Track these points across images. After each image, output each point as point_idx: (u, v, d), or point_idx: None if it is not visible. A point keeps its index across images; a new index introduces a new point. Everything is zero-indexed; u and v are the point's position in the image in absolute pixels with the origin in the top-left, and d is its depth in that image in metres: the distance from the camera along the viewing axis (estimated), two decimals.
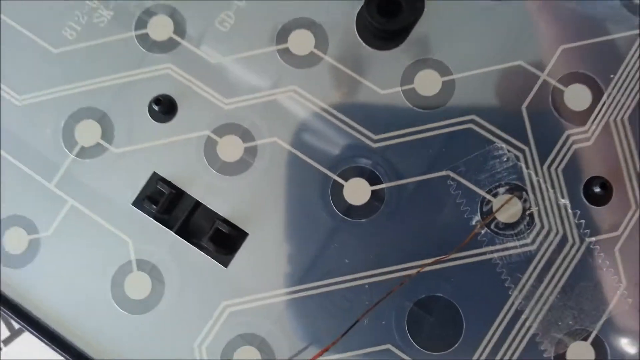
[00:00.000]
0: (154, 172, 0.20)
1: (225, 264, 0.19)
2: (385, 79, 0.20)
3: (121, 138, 0.20)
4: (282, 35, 0.20)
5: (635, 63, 0.19)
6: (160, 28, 0.21)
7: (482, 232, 0.18)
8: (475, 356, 0.18)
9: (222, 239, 0.19)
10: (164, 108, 0.20)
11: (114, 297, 0.19)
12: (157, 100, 0.20)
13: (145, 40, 0.21)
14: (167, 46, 0.21)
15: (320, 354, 0.17)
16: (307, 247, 0.19)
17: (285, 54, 0.20)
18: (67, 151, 0.20)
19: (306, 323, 0.18)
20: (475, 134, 0.19)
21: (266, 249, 0.19)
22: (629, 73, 0.19)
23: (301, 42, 0.20)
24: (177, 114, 0.20)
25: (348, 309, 0.18)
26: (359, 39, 0.20)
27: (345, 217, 0.19)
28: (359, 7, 0.20)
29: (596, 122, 0.19)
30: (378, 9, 0.19)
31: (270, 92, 0.20)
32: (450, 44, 0.20)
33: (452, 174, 0.19)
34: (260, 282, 0.19)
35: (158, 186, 0.19)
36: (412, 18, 0.19)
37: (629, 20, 0.20)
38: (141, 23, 0.21)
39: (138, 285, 0.19)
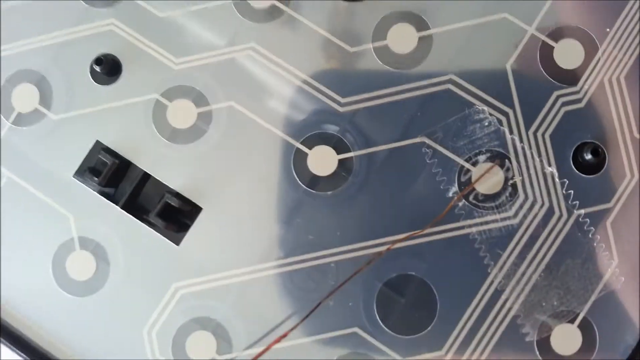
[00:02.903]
0: (97, 141, 0.18)
1: (177, 241, 0.17)
2: (354, 34, 0.18)
3: (60, 103, 0.18)
4: None
5: (634, 15, 0.17)
6: None
7: (460, 204, 0.17)
8: (450, 340, 0.16)
9: (172, 215, 0.17)
10: (107, 69, 0.18)
11: (56, 278, 0.17)
12: (99, 60, 0.18)
13: None
14: None
15: (278, 340, 0.16)
16: (267, 223, 0.17)
17: (243, 6, 0.18)
18: (3, 118, 0.18)
19: (266, 306, 0.17)
20: (454, 95, 0.17)
21: (222, 225, 0.17)
22: (627, 26, 0.17)
23: None
24: (122, 76, 0.18)
25: (313, 290, 0.17)
26: None
27: (310, 189, 0.17)
28: None
29: (589, 81, 0.17)
30: None
31: (226, 51, 0.18)
32: None
33: (427, 141, 0.17)
34: (215, 262, 0.17)
35: (101, 156, 0.17)
36: None
37: None
38: None
39: (81, 265, 0.17)
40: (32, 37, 0.19)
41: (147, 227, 0.17)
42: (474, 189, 0.17)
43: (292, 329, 0.16)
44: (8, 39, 0.19)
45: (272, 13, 0.18)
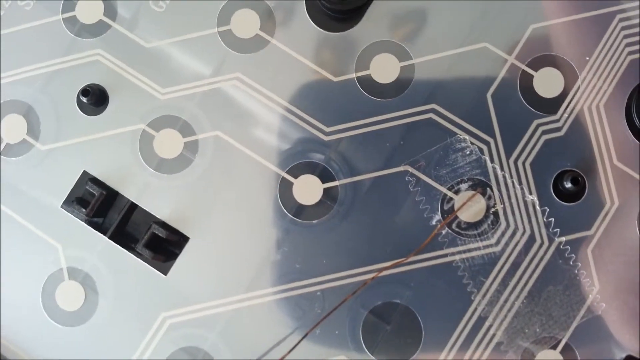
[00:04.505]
0: (84, 171, 0.18)
1: (165, 271, 0.17)
2: (338, 64, 0.18)
3: (48, 133, 0.18)
4: (224, 15, 0.18)
5: (613, 43, 0.18)
6: (89, 9, 0.19)
7: (443, 232, 0.17)
8: None
9: (160, 244, 0.17)
10: (94, 99, 0.18)
11: (45, 308, 0.18)
12: (85, 91, 0.18)
13: (73, 24, 0.19)
14: (97, 30, 0.19)
15: None
16: (254, 252, 0.17)
17: (228, 36, 0.18)
18: None
19: (253, 334, 0.17)
20: (436, 124, 0.18)
21: (209, 255, 0.17)
22: (605, 55, 0.18)
23: (245, 23, 0.18)
24: (109, 106, 0.18)
25: (300, 318, 0.17)
26: (309, 19, 0.18)
27: (295, 218, 0.17)
28: None
29: (569, 109, 0.17)
30: None
31: (212, 80, 0.18)
32: (410, 25, 0.18)
33: (411, 169, 0.17)
34: (202, 291, 0.17)
35: (88, 187, 0.17)
36: None
37: None
38: (69, 5, 0.19)
39: (70, 296, 0.18)
40: (19, 68, 0.19)
41: (134, 257, 0.18)
42: (456, 217, 0.17)
43: (281, 359, 0.16)
44: None
45: (257, 43, 0.18)
